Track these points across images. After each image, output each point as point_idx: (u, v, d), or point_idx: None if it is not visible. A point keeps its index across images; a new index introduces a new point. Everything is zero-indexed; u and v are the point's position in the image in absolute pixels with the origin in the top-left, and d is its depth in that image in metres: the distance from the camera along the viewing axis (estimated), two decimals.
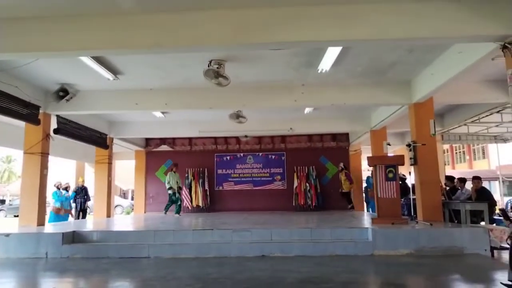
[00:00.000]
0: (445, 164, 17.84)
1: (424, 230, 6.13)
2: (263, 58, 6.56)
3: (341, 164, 12.68)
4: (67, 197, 10.88)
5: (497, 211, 8.33)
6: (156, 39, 4.83)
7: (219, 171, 13.68)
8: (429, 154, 7.50)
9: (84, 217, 11.53)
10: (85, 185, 12.00)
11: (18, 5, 4.59)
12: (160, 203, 13.75)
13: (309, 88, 8.05)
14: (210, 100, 8.19)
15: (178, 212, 10.97)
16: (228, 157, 13.86)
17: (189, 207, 13.29)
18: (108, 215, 11.31)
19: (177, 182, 11.01)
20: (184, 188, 13.33)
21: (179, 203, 11.05)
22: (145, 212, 13.69)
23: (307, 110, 9.79)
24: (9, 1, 4.51)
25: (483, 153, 27.16)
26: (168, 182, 10.87)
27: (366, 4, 4.65)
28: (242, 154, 13.82)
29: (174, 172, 11.09)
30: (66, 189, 11.11)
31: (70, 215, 11.12)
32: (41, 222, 7.90)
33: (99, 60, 6.40)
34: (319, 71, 7.03)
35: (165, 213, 11.09)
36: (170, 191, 10.88)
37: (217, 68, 6.38)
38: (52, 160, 9.22)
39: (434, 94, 7.31)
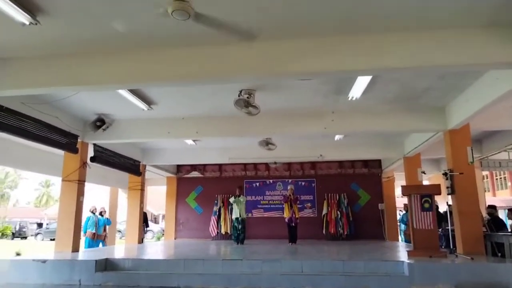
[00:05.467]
0: (485, 191, 16.95)
1: (465, 265, 5.80)
2: (292, 86, 6.60)
3: (291, 187, 10.87)
4: (100, 222, 11.07)
5: None
6: (187, 71, 5.01)
7: (249, 198, 13.56)
8: (468, 182, 7.15)
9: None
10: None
11: (60, 43, 4.90)
12: (189, 230, 13.86)
13: (339, 115, 7.94)
14: (240, 127, 8.25)
15: (235, 240, 10.48)
16: (258, 184, 13.81)
17: (213, 234, 13.24)
18: (140, 241, 11.43)
19: (240, 208, 10.39)
20: (212, 216, 13.34)
21: (237, 232, 10.44)
22: (175, 239, 13.75)
23: (337, 137, 9.67)
24: (51, 39, 4.81)
25: None
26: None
27: (394, 33, 4.62)
28: (271, 181, 13.73)
29: (235, 197, 10.67)
30: (101, 213, 11.34)
31: (103, 241, 11.25)
32: (76, 248, 8.09)
33: (134, 91, 6.67)
34: (349, 99, 6.98)
35: (237, 243, 10.35)
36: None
37: (247, 97, 6.46)
38: (87, 186, 9.49)
39: (470, 120, 7.05)
